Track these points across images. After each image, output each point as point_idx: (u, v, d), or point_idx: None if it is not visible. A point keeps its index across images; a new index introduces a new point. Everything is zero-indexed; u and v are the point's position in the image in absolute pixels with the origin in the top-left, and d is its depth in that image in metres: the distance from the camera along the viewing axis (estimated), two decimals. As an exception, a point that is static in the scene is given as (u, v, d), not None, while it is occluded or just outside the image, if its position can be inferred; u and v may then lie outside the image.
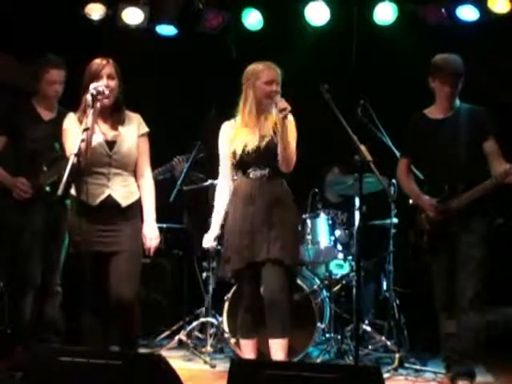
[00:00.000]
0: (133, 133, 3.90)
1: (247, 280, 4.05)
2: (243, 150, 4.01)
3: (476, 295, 4.10)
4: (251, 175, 4.03)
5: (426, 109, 4.39)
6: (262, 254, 3.94)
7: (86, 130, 3.58)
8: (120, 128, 3.87)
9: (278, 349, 3.93)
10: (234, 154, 4.06)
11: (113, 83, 3.81)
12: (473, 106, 4.30)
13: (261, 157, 4.00)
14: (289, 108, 3.81)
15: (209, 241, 4.22)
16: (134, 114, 3.98)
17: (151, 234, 3.90)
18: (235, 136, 4.07)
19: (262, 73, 4.00)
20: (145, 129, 3.97)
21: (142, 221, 3.92)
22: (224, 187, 4.17)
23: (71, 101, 4.03)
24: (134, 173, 3.94)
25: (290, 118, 3.94)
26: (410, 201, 4.42)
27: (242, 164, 4.06)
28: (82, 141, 3.55)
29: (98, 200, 3.77)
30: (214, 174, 5.19)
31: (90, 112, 3.64)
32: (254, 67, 4.05)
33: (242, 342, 4.15)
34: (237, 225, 4.03)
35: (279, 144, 3.92)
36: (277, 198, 4.02)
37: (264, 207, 3.98)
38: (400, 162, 4.49)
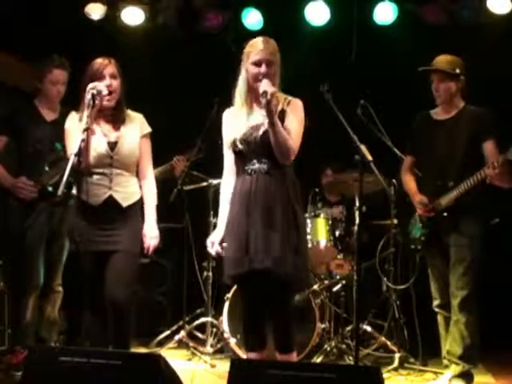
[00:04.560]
0: (135, 133, 3.90)
1: (247, 289, 3.62)
2: (238, 141, 3.55)
3: (466, 297, 4.12)
4: (249, 170, 3.54)
5: (431, 109, 4.42)
6: (263, 261, 3.43)
7: (86, 129, 3.57)
8: (122, 128, 3.86)
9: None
10: (233, 145, 3.59)
11: (115, 83, 3.81)
12: (477, 108, 4.29)
13: (258, 149, 3.50)
14: (270, 91, 3.37)
15: (212, 243, 3.66)
16: (136, 113, 3.97)
17: (151, 233, 3.90)
18: (232, 125, 3.61)
19: (251, 53, 3.56)
20: (147, 129, 3.96)
21: (143, 221, 3.92)
22: (227, 183, 3.68)
23: (71, 101, 4.03)
24: (137, 173, 3.94)
25: (296, 100, 3.60)
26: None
27: (240, 157, 3.58)
28: (83, 141, 3.55)
29: (100, 200, 3.77)
30: (215, 174, 5.22)
31: (90, 112, 3.63)
32: (248, 44, 3.62)
33: (249, 354, 3.68)
34: (234, 226, 3.55)
35: (269, 132, 3.44)
36: (279, 196, 3.49)
37: (263, 206, 3.47)
38: (405, 159, 4.55)
